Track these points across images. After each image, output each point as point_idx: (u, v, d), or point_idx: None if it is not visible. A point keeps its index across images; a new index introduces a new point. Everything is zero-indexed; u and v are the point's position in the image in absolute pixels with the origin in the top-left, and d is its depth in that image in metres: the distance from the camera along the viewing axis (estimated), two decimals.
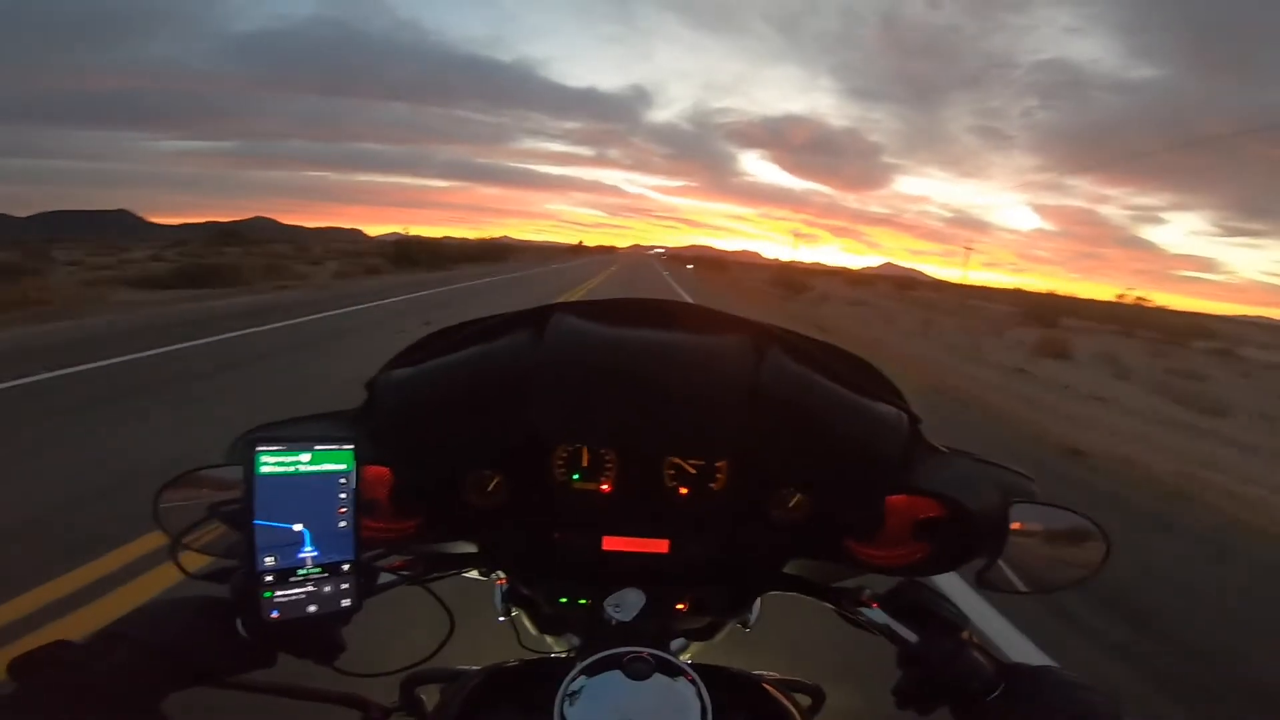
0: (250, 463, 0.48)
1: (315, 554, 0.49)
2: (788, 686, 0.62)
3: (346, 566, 0.50)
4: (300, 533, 0.49)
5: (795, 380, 0.64)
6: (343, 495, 0.50)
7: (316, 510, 0.50)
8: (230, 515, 0.53)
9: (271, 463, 0.48)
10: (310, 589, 0.49)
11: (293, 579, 0.48)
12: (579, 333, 0.65)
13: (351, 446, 0.51)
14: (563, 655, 0.68)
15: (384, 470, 0.61)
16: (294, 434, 0.51)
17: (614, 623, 0.58)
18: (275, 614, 0.48)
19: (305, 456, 0.49)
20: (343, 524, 0.50)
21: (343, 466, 0.51)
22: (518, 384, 0.62)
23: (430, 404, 0.64)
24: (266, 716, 0.77)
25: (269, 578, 0.48)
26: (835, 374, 0.66)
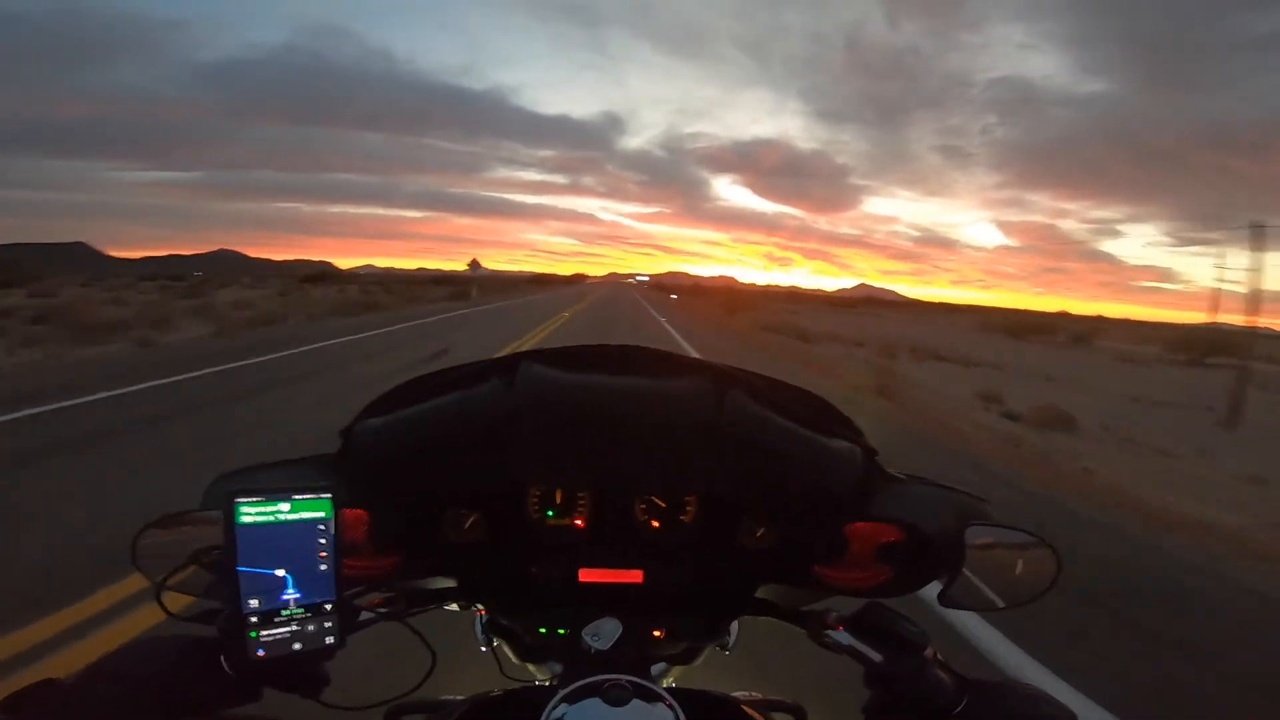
0: (230, 513, 0.49)
1: (298, 596, 0.51)
2: (769, 707, 0.64)
3: (329, 606, 0.52)
4: (283, 577, 0.50)
5: (754, 419, 0.67)
6: (322, 540, 0.52)
7: (297, 555, 0.51)
8: (213, 561, 0.54)
9: (252, 513, 0.50)
10: (294, 628, 0.50)
11: (277, 619, 0.50)
12: (548, 379, 0.68)
13: (329, 495, 0.53)
14: (544, 684, 0.69)
15: (362, 513, 0.63)
16: (271, 481, 0.52)
17: (593, 651, 0.60)
18: (261, 653, 0.49)
19: (284, 506, 0.51)
20: (323, 567, 0.52)
21: (321, 514, 0.52)
22: (491, 430, 0.64)
23: (406, 451, 0.66)
24: None
25: (254, 619, 0.49)
26: (792, 412, 0.70)
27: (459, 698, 0.62)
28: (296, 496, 0.51)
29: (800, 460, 0.67)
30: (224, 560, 0.49)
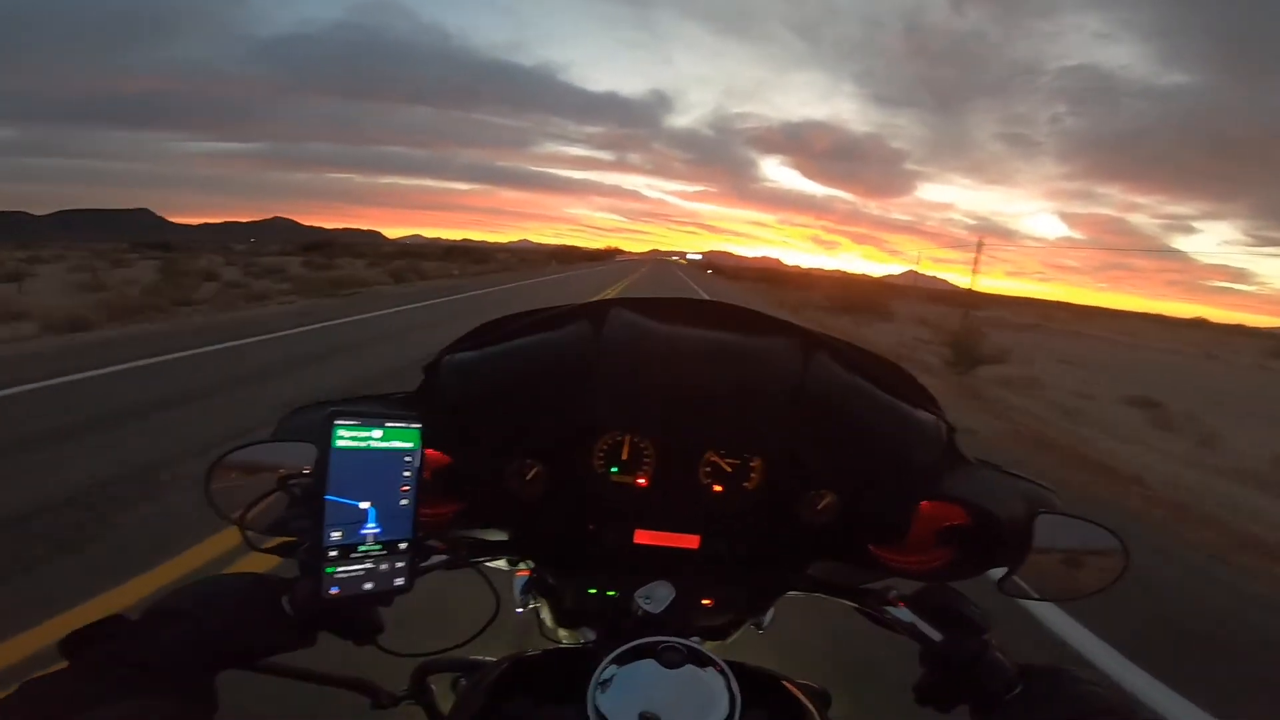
0: (328, 436, 0.49)
1: (377, 530, 0.50)
2: (798, 689, 0.64)
3: (404, 545, 0.52)
4: (366, 509, 0.50)
5: (840, 384, 0.66)
6: (407, 474, 0.52)
7: (382, 487, 0.51)
8: (297, 489, 0.54)
9: (347, 437, 0.49)
10: (369, 566, 0.50)
11: (354, 555, 0.50)
12: (637, 326, 0.68)
13: (419, 425, 0.53)
14: (583, 647, 0.69)
15: (436, 453, 0.63)
16: (364, 410, 0.51)
17: (641, 613, 0.60)
18: (335, 590, 0.49)
19: (377, 433, 0.50)
20: (404, 502, 0.52)
21: (410, 445, 0.52)
22: (574, 371, 0.65)
23: (490, 388, 0.66)
24: (283, 694, 0.74)
25: (333, 553, 0.49)
26: (878, 380, 0.68)
27: (488, 659, 0.62)
28: (389, 424, 0.51)
29: (883, 430, 0.66)
30: (313, 487, 0.49)
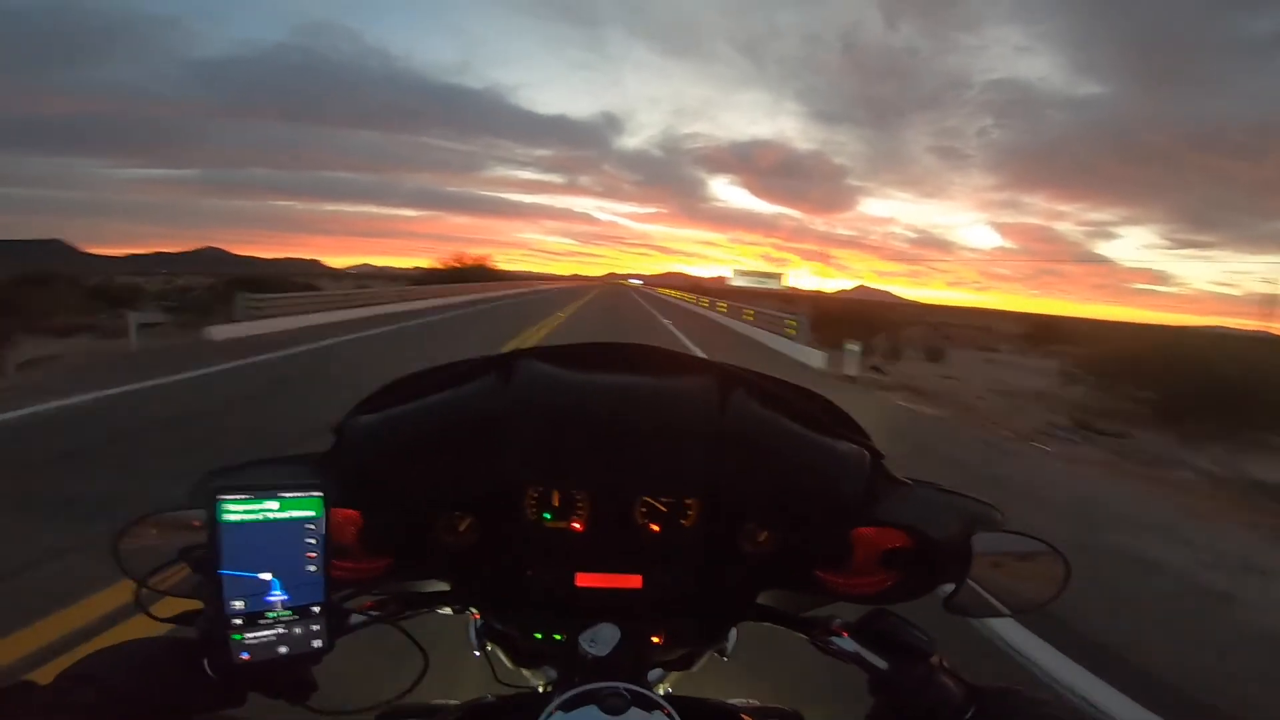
0: (213, 511, 0.47)
1: (285, 598, 0.49)
2: (766, 714, 0.63)
3: (317, 609, 0.50)
4: (268, 580, 0.48)
5: (759, 420, 0.66)
6: (311, 541, 0.50)
7: (284, 556, 0.49)
8: (197, 561, 0.52)
9: (237, 511, 0.47)
10: (280, 631, 0.48)
11: (262, 621, 0.48)
12: (547, 377, 0.66)
13: (320, 494, 0.51)
14: (539, 690, 0.68)
15: (353, 513, 0.61)
16: (259, 479, 0.50)
17: (590, 658, 0.58)
18: (245, 656, 0.47)
19: (272, 504, 0.49)
20: (312, 568, 0.50)
21: (311, 513, 0.50)
22: (487, 429, 0.62)
23: (399, 449, 0.64)
24: None
25: (237, 621, 0.47)
26: (798, 413, 0.68)
27: (452, 703, 0.60)
28: (285, 495, 0.49)
29: (806, 463, 0.65)
30: (206, 561, 0.47)
